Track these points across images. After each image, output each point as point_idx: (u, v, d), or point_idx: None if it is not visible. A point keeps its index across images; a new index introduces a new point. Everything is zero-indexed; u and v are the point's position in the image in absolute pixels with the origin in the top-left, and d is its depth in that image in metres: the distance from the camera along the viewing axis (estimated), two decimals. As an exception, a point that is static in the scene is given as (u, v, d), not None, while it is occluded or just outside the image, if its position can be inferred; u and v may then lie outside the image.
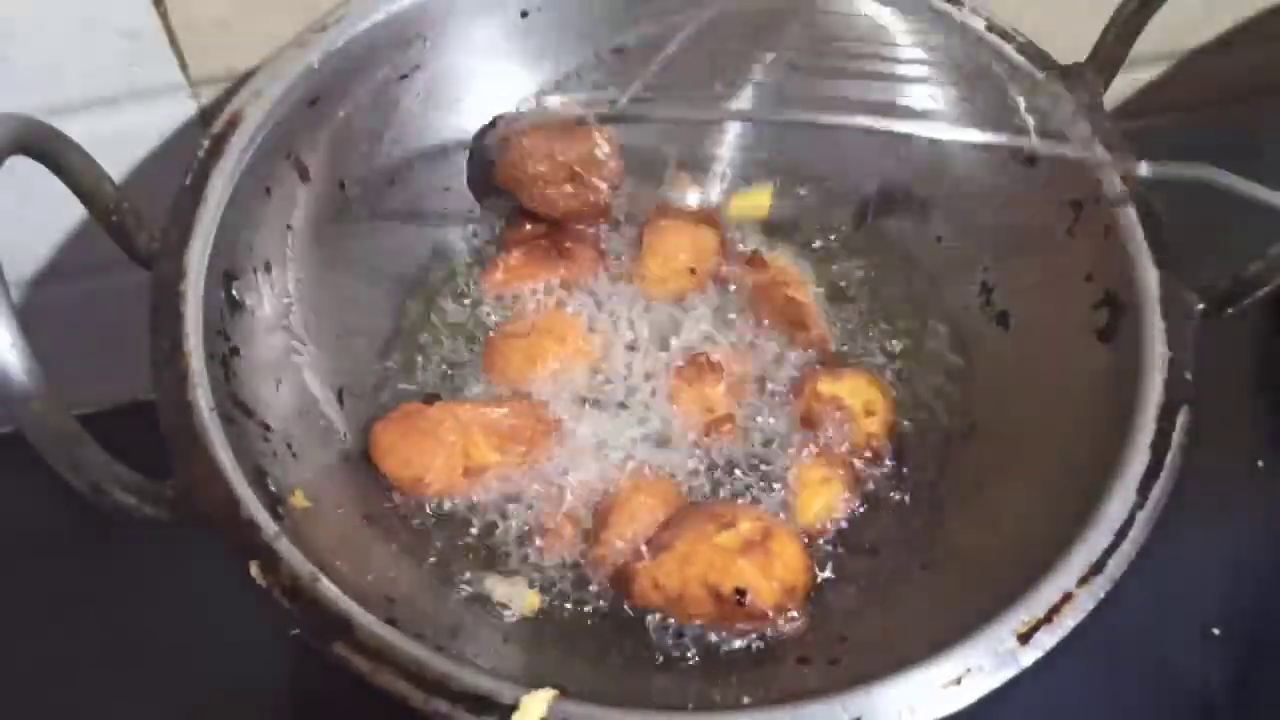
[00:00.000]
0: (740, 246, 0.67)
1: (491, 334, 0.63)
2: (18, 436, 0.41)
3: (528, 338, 0.62)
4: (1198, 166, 0.52)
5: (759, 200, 0.66)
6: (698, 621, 0.54)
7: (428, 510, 0.57)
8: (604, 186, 0.64)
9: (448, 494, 0.57)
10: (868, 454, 0.60)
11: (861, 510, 0.59)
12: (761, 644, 0.54)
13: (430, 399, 0.59)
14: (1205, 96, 0.75)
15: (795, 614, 0.54)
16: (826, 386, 0.60)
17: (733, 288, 0.65)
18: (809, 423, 0.60)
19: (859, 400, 0.60)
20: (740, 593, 0.52)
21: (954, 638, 0.46)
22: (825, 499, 0.58)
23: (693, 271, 0.64)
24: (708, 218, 0.66)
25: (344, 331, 0.60)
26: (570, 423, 0.59)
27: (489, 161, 0.64)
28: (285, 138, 0.57)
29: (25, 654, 0.64)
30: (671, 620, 0.54)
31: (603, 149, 0.64)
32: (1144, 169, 0.54)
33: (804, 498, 0.58)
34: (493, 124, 0.63)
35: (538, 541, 0.56)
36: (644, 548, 0.55)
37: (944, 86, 0.61)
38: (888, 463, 0.60)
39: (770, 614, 0.53)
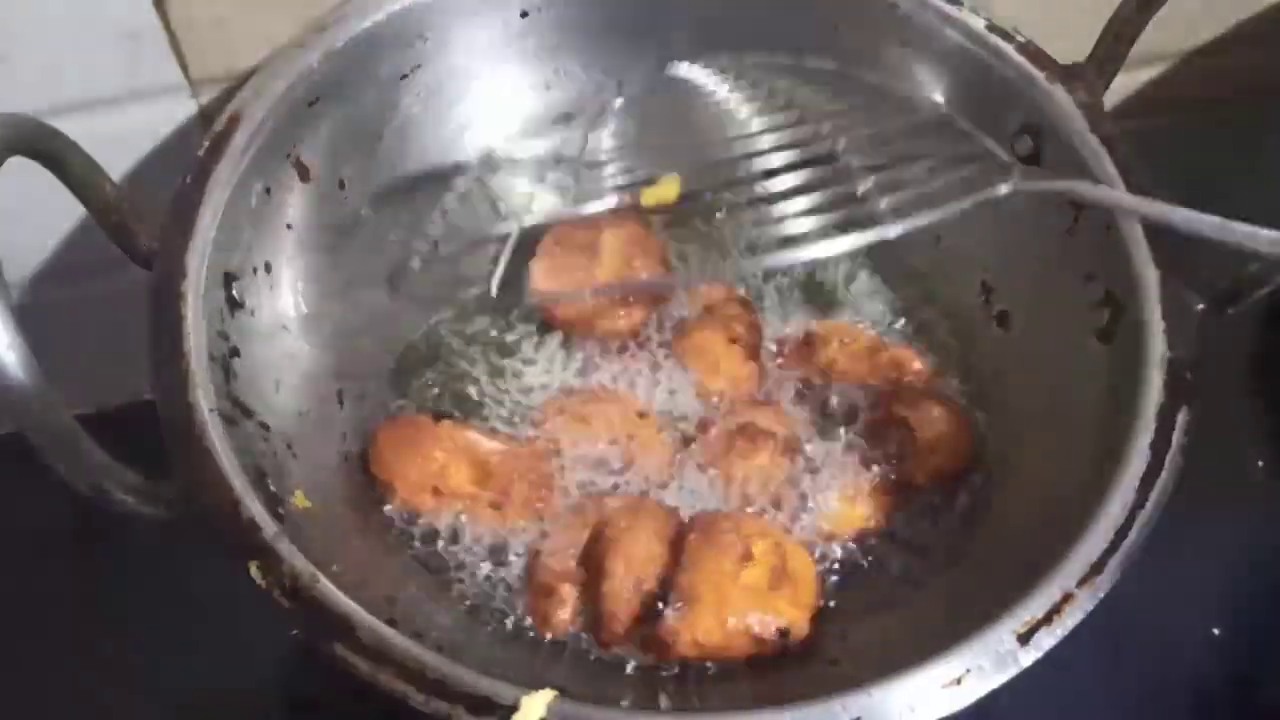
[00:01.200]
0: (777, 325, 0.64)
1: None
2: (18, 436, 0.41)
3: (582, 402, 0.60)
4: (1067, 180, 0.51)
5: (668, 191, 0.60)
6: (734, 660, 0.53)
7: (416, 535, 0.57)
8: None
9: (411, 506, 0.57)
10: (910, 490, 0.59)
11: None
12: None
13: (439, 416, 0.60)
14: (1205, 96, 0.75)
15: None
16: (902, 409, 0.59)
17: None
18: (873, 438, 0.59)
19: (930, 433, 0.58)
20: (783, 633, 0.52)
21: (954, 638, 0.45)
22: (847, 513, 0.58)
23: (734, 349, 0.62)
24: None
25: (344, 331, 0.60)
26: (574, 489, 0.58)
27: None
28: (285, 138, 0.57)
29: (25, 654, 0.64)
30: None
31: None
32: (1016, 178, 0.51)
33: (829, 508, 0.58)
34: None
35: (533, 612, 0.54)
36: (661, 600, 0.52)
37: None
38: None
39: (804, 642, 0.52)
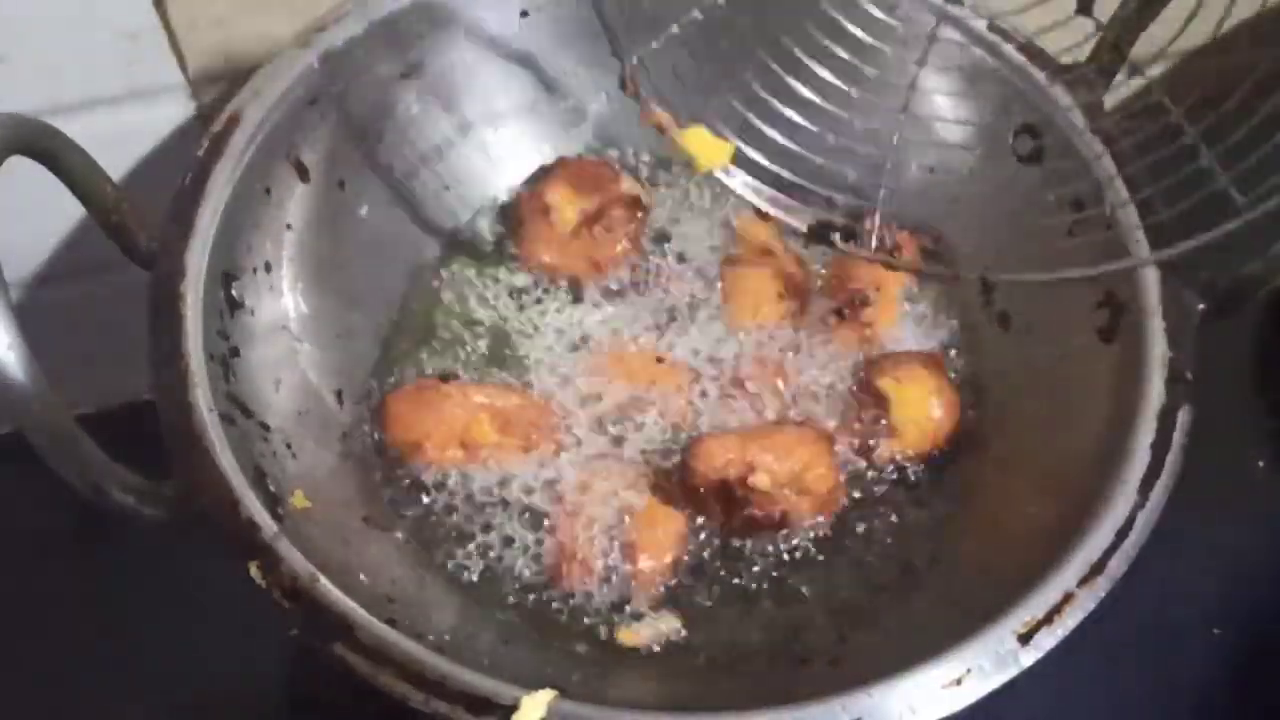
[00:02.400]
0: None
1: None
2: (18, 436, 0.41)
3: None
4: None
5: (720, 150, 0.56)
6: (756, 494, 0.54)
7: (430, 511, 0.57)
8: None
9: (442, 464, 0.57)
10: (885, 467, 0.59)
11: (861, 510, 0.59)
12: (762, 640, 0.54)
13: (445, 378, 0.60)
14: (1205, 96, 0.75)
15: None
16: (885, 384, 0.59)
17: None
18: (857, 406, 0.59)
19: (908, 411, 0.59)
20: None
21: (954, 638, 0.46)
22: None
23: (781, 297, 0.63)
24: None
25: (344, 331, 0.60)
26: (583, 435, 0.60)
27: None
28: (285, 138, 0.57)
29: (24, 654, 0.64)
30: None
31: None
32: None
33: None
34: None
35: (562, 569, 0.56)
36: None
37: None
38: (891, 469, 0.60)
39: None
